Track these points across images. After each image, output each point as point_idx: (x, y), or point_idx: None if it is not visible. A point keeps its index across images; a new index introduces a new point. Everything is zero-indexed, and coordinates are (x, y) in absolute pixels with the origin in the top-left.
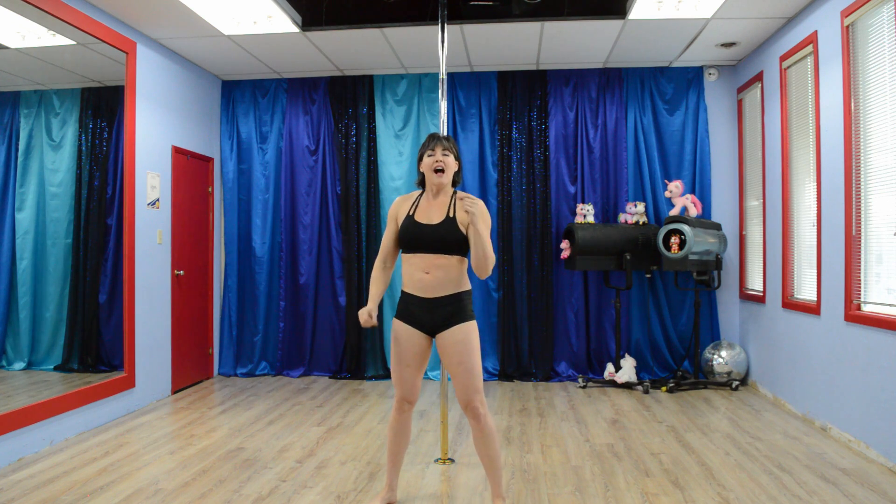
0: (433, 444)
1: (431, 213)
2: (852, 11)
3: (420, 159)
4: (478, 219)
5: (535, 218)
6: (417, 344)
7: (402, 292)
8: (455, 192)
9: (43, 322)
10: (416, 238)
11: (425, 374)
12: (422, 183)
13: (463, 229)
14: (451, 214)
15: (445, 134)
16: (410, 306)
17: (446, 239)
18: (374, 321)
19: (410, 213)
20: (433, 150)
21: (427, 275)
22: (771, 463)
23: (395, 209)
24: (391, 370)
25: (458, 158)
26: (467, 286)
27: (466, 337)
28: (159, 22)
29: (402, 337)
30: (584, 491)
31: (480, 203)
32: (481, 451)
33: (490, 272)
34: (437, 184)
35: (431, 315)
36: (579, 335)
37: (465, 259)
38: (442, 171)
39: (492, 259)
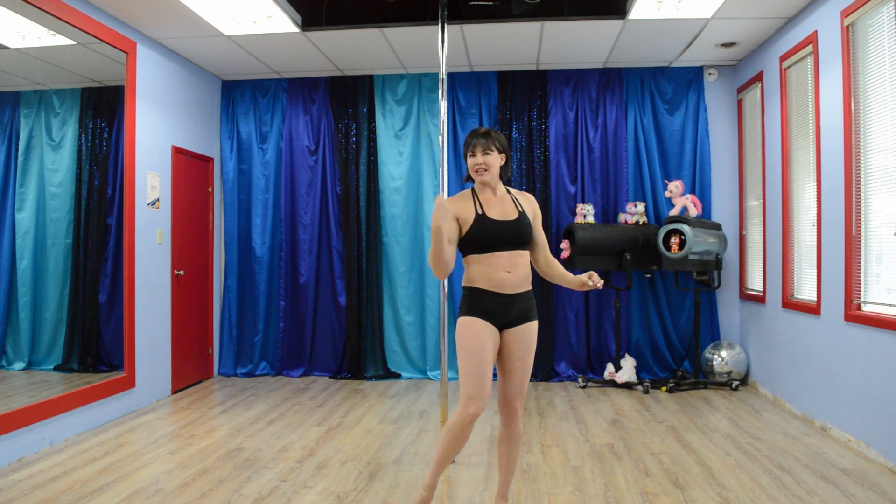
0: (433, 444)
1: (504, 210)
2: (852, 11)
3: (465, 156)
4: (540, 230)
5: None
6: (495, 339)
7: (472, 289)
8: (508, 189)
9: (43, 322)
10: (497, 235)
11: (425, 374)
12: (470, 178)
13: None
14: (521, 209)
15: (486, 128)
16: (483, 302)
17: (525, 234)
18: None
19: (479, 211)
20: (474, 152)
21: (509, 273)
22: (771, 463)
23: (454, 208)
24: (465, 371)
25: (504, 151)
26: (531, 283)
27: (533, 336)
28: (159, 22)
29: (483, 332)
30: (584, 491)
31: (538, 208)
32: (504, 451)
33: None
34: (480, 182)
35: (507, 311)
36: (579, 335)
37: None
38: (486, 170)
39: None
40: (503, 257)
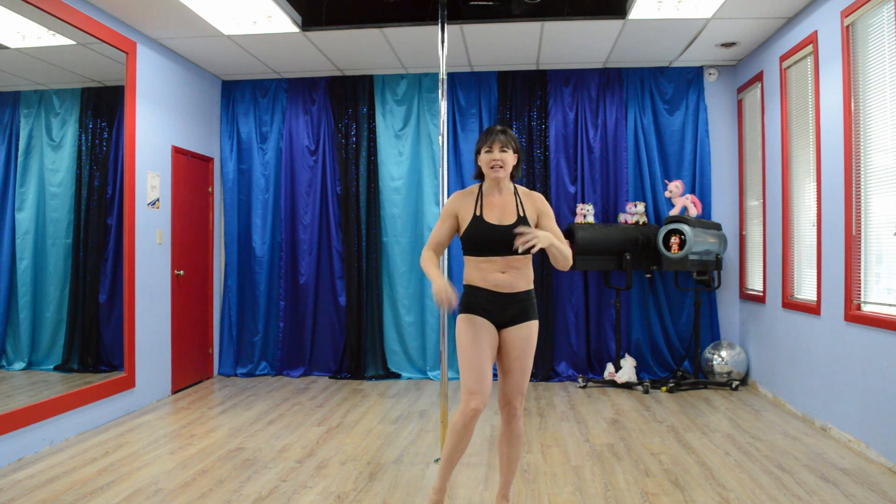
0: (433, 444)
1: (503, 213)
2: (852, 11)
3: (477, 153)
4: (551, 227)
5: None
6: (494, 335)
7: (470, 286)
8: (517, 188)
9: (43, 322)
10: (490, 240)
11: (425, 374)
12: (479, 175)
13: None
14: (521, 213)
15: (503, 126)
16: (480, 300)
17: None
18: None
19: (477, 212)
20: (490, 147)
21: (503, 274)
22: (771, 463)
23: (457, 205)
24: (464, 367)
25: (517, 152)
26: (533, 282)
27: (531, 335)
28: (159, 22)
29: (480, 327)
30: (584, 491)
31: (546, 206)
32: (505, 450)
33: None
34: (494, 178)
35: (504, 310)
36: (579, 335)
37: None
38: (501, 167)
39: (569, 259)
40: (497, 261)
